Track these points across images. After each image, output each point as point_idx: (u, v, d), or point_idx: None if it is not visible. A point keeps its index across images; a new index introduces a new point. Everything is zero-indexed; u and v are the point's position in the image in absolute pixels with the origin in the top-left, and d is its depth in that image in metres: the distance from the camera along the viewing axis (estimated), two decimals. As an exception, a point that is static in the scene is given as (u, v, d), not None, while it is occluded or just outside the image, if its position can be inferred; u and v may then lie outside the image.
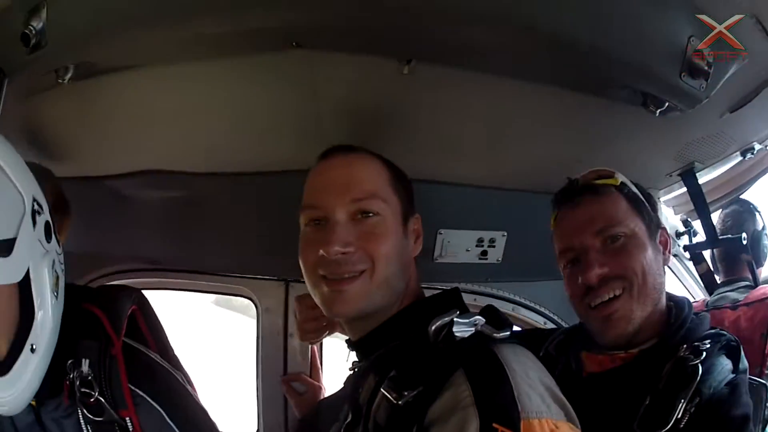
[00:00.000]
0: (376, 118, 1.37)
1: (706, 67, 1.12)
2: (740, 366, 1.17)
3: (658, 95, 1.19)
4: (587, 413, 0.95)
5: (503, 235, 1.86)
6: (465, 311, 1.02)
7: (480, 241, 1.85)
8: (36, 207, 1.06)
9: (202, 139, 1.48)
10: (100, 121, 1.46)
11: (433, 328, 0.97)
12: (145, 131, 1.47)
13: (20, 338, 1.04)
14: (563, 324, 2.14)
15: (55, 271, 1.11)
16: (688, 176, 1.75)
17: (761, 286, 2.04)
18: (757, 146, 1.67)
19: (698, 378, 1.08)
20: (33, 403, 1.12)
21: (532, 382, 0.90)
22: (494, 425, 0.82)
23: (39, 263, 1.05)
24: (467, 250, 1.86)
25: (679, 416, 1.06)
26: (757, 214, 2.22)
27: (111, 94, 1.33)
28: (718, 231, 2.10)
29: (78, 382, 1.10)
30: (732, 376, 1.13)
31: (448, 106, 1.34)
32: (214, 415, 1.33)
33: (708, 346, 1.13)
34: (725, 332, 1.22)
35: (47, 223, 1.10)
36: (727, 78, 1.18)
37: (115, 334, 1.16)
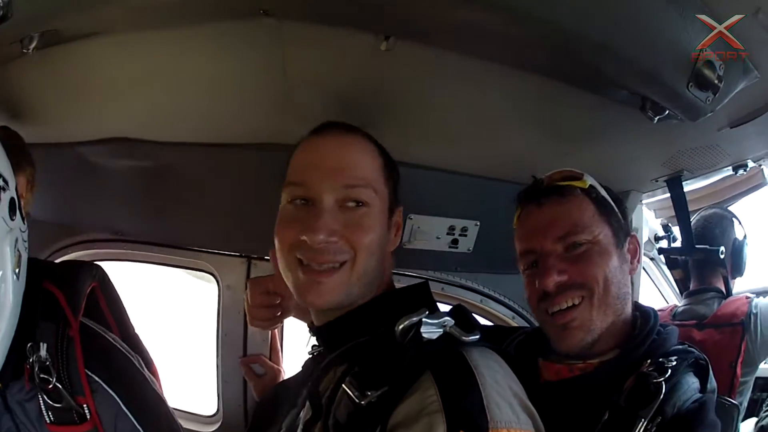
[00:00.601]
0: (348, 95, 1.25)
1: (715, 80, 1.00)
2: (708, 386, 1.11)
3: (660, 102, 1.07)
4: (542, 423, 0.93)
5: (476, 225, 1.77)
6: (434, 308, 0.97)
7: (451, 229, 1.76)
8: (1, 183, 1.01)
9: (168, 107, 1.40)
10: (68, 88, 1.39)
11: (401, 327, 0.91)
12: (112, 98, 1.40)
13: None
14: (532, 319, 2.06)
15: (18, 249, 1.05)
16: (674, 184, 1.67)
17: (732, 297, 1.96)
18: (751, 164, 1.58)
19: (661, 396, 1.02)
20: None
21: (501, 389, 0.85)
22: None
23: (1, 241, 1.00)
24: (437, 238, 1.77)
25: None
26: (736, 221, 2.12)
27: (77, 62, 1.26)
28: (697, 231, 2.02)
29: (37, 368, 1.08)
30: (699, 395, 1.07)
31: (429, 89, 1.22)
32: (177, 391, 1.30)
33: (674, 363, 1.07)
34: (694, 349, 1.15)
35: (12, 199, 1.04)
36: (735, 93, 1.07)
37: (73, 314, 1.14)
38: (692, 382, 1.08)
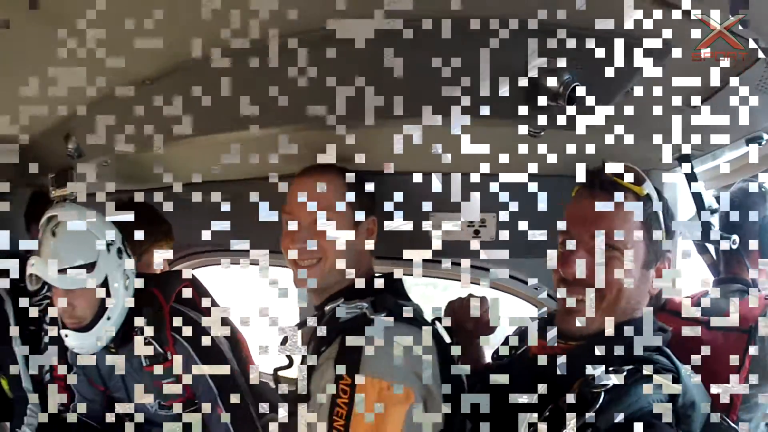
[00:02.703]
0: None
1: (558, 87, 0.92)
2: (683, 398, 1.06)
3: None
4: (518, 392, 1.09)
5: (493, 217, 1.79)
6: (387, 295, 1.32)
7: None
8: (109, 241, 1.68)
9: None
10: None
11: (326, 309, 1.35)
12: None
13: (100, 313, 1.67)
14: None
15: (126, 274, 1.72)
16: (684, 161, 1.47)
17: (750, 295, 1.56)
18: (766, 136, 1.34)
19: (597, 406, 1.01)
20: (113, 348, 1.76)
21: (386, 351, 1.18)
22: (344, 375, 1.16)
23: (114, 272, 1.69)
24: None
25: None
26: None
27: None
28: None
29: (139, 331, 1.70)
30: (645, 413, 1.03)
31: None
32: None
33: (624, 373, 1.05)
34: (662, 356, 1.11)
35: (119, 248, 1.71)
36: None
37: (165, 301, 1.79)
38: (647, 394, 1.04)
